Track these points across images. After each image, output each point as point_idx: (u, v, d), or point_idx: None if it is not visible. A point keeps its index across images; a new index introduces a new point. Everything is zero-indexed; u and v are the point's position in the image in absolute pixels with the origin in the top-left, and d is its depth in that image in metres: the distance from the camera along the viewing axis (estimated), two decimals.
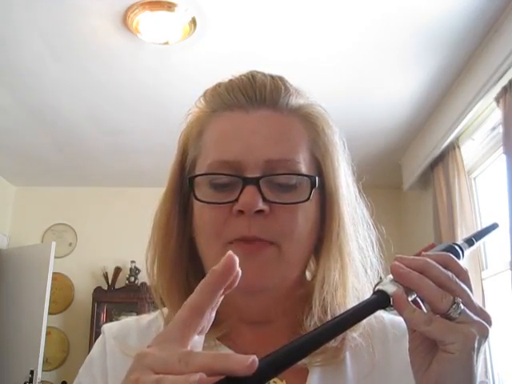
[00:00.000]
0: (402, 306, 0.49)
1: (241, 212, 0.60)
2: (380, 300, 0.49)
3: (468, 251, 0.56)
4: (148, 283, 0.69)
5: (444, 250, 0.54)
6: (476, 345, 0.48)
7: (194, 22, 2.52)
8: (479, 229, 0.61)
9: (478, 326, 0.48)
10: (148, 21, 2.50)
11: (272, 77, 0.68)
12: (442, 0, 2.38)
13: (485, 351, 2.76)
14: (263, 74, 0.68)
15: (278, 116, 0.65)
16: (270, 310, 0.66)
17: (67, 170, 4.52)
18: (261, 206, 0.60)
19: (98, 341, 0.71)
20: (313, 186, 0.62)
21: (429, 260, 0.50)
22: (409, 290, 0.50)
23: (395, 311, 0.50)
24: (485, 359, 2.87)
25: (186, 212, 0.67)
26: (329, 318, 0.64)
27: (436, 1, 2.38)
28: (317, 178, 0.63)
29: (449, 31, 2.59)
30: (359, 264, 0.67)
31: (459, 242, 0.56)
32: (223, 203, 0.61)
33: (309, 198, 0.62)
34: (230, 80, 0.69)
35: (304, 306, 0.66)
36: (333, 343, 0.63)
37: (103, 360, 0.67)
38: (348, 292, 0.65)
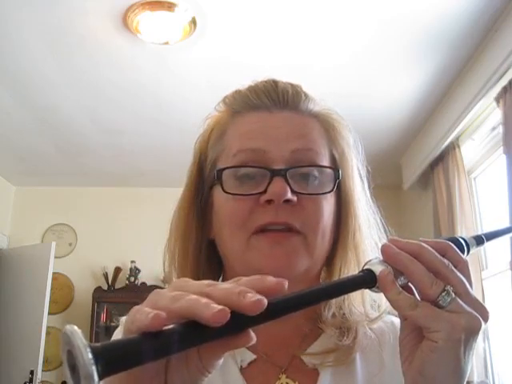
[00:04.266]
0: (387, 287, 0.47)
1: (268, 202, 0.61)
2: (366, 278, 0.47)
3: (475, 249, 0.54)
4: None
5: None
6: (463, 337, 0.45)
7: (194, 22, 2.52)
8: (484, 229, 0.60)
9: (468, 318, 0.45)
10: (148, 21, 2.50)
11: (291, 84, 0.70)
12: (442, 1, 2.38)
13: (485, 351, 2.74)
14: (283, 81, 0.70)
15: (300, 117, 0.68)
16: None
17: (67, 170, 4.52)
18: (290, 195, 0.61)
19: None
20: (336, 177, 0.65)
21: (424, 244, 0.48)
22: (399, 273, 0.48)
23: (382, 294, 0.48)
24: (485, 359, 2.87)
25: (205, 214, 0.69)
26: (346, 306, 0.66)
27: (436, 1, 2.38)
28: (340, 171, 0.66)
29: (449, 31, 2.59)
30: None
31: (467, 237, 0.54)
32: (250, 195, 0.63)
33: (333, 189, 0.64)
34: (251, 85, 0.71)
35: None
36: (345, 341, 0.64)
37: None
38: (364, 292, 0.66)
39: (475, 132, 3.14)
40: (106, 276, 4.53)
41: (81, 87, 3.16)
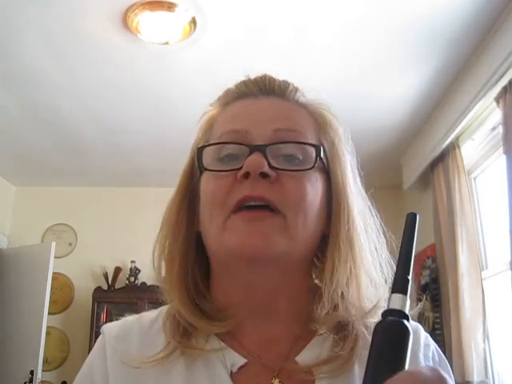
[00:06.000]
0: None
1: (245, 177, 0.60)
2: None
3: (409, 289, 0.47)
4: (154, 276, 0.69)
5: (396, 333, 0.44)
6: None
7: (194, 21, 2.52)
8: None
9: None
10: (148, 21, 2.50)
11: (283, 79, 0.71)
12: (442, 0, 2.38)
13: (485, 351, 2.75)
14: (274, 76, 0.71)
15: (286, 103, 0.68)
16: (275, 293, 0.64)
17: (67, 169, 4.52)
18: (267, 169, 0.59)
19: (97, 343, 0.69)
20: (318, 154, 0.63)
21: None
22: None
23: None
24: (485, 359, 2.87)
25: (194, 206, 0.68)
26: (342, 310, 0.62)
27: (437, 1, 2.38)
28: (322, 148, 0.64)
29: (449, 31, 2.59)
30: (371, 266, 0.65)
31: (392, 302, 0.46)
32: (228, 171, 0.62)
33: (314, 166, 0.62)
34: (242, 80, 0.72)
35: (313, 299, 0.64)
36: (341, 352, 0.61)
37: (103, 364, 0.65)
38: (361, 288, 0.63)
39: (475, 132, 3.14)
40: (106, 276, 4.53)
41: (81, 87, 3.16)
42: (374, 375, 0.42)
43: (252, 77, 0.71)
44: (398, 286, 0.46)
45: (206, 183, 0.65)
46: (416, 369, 0.42)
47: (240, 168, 0.60)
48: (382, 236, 0.68)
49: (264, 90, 0.68)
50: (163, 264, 0.68)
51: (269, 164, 0.60)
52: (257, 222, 0.59)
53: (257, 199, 0.59)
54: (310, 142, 0.64)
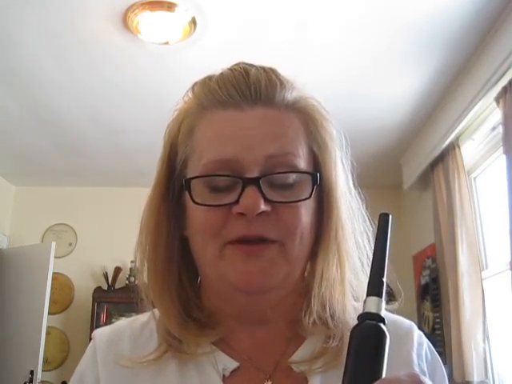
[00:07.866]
0: None
1: (240, 214, 0.58)
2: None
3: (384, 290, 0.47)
4: (139, 286, 0.68)
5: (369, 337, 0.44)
6: None
7: (194, 21, 2.52)
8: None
9: None
10: (148, 21, 2.50)
11: (265, 70, 0.65)
12: (442, 0, 2.38)
13: (485, 351, 2.74)
14: (256, 68, 0.65)
15: (275, 113, 0.62)
16: (270, 310, 0.64)
17: (67, 170, 4.52)
18: (263, 207, 0.57)
19: (88, 349, 0.68)
20: (314, 183, 0.61)
21: None
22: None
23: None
24: (485, 359, 2.87)
25: (177, 211, 0.65)
26: (328, 314, 0.62)
27: (436, 1, 2.38)
28: (318, 175, 0.61)
29: (449, 31, 2.59)
30: (357, 260, 0.65)
31: (368, 306, 0.45)
32: (222, 205, 0.59)
33: (311, 196, 0.60)
34: (221, 74, 0.66)
35: (302, 302, 0.64)
36: (332, 343, 0.61)
37: (95, 371, 0.64)
38: (346, 288, 0.63)
39: (475, 132, 3.14)
40: (105, 276, 4.53)
41: (81, 87, 3.16)
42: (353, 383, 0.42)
43: (230, 74, 0.64)
44: (374, 288, 0.46)
45: (196, 211, 0.61)
46: (394, 376, 0.41)
47: (234, 202, 0.58)
48: (369, 234, 0.66)
49: (249, 97, 0.61)
50: (145, 274, 0.66)
51: (264, 198, 0.58)
52: (255, 257, 0.58)
53: (254, 237, 0.58)
54: (304, 161, 0.62)
